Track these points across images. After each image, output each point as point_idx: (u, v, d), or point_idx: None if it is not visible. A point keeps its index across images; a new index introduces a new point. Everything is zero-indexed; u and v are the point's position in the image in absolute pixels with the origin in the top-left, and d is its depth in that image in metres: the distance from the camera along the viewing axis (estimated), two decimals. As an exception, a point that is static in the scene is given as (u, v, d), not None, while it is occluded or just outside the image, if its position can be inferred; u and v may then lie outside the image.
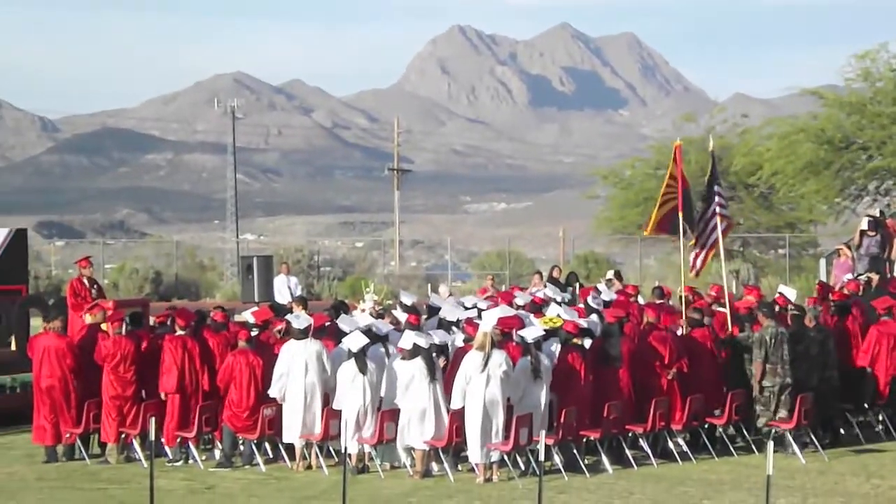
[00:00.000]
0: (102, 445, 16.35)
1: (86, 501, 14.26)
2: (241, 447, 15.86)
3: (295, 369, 15.33)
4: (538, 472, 11.73)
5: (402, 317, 16.57)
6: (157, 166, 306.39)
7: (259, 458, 15.65)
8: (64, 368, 16.26)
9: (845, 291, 19.46)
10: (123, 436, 16.08)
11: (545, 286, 21.08)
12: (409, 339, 14.93)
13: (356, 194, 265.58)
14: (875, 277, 21.09)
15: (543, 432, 12.03)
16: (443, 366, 15.23)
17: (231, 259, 63.07)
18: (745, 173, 44.58)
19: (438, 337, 15.44)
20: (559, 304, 17.36)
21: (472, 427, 14.56)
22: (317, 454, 15.46)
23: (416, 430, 14.83)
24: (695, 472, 15.28)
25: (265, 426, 15.49)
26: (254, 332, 16.17)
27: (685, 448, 15.98)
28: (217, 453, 16.03)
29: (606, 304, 17.34)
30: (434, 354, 14.99)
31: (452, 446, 14.89)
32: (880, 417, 17.66)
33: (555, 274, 26.54)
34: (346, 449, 12.59)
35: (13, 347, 20.67)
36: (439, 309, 17.25)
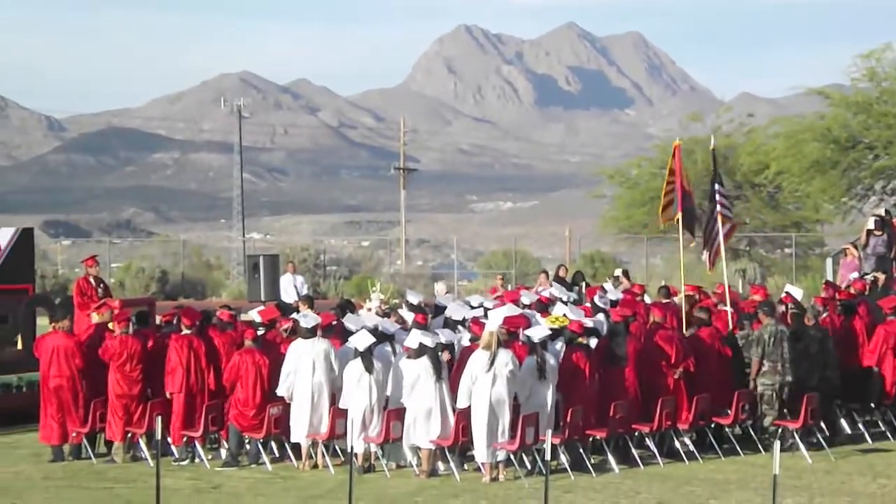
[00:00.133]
0: (109, 445, 16.36)
1: (92, 501, 14.27)
2: (248, 446, 15.86)
3: (302, 368, 15.33)
4: (544, 472, 11.73)
5: (409, 316, 16.58)
6: (163, 165, 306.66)
7: (265, 458, 15.66)
8: (72, 368, 16.28)
9: (852, 291, 19.43)
10: (129, 435, 16.09)
11: (551, 285, 21.08)
12: (415, 338, 14.93)
13: (362, 193, 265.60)
14: (881, 277, 21.08)
15: (549, 432, 12.04)
16: (447, 360, 15.22)
17: (237, 258, 63.12)
18: (751, 173, 44.57)
19: (444, 336, 15.43)
20: (565, 303, 17.35)
21: (478, 426, 14.55)
22: (323, 453, 15.45)
23: (422, 430, 14.82)
24: (701, 471, 15.26)
25: (271, 425, 15.49)
26: (260, 332, 16.17)
27: (691, 447, 15.96)
28: (223, 452, 16.04)
29: (613, 304, 17.32)
30: (440, 352, 14.99)
31: (458, 446, 14.89)
32: (887, 417, 17.63)
33: (561, 273, 26.51)
34: (352, 448, 12.59)
35: (19, 346, 20.69)
36: (445, 308, 17.25)
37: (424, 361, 14.82)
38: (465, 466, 15.10)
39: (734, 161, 45.91)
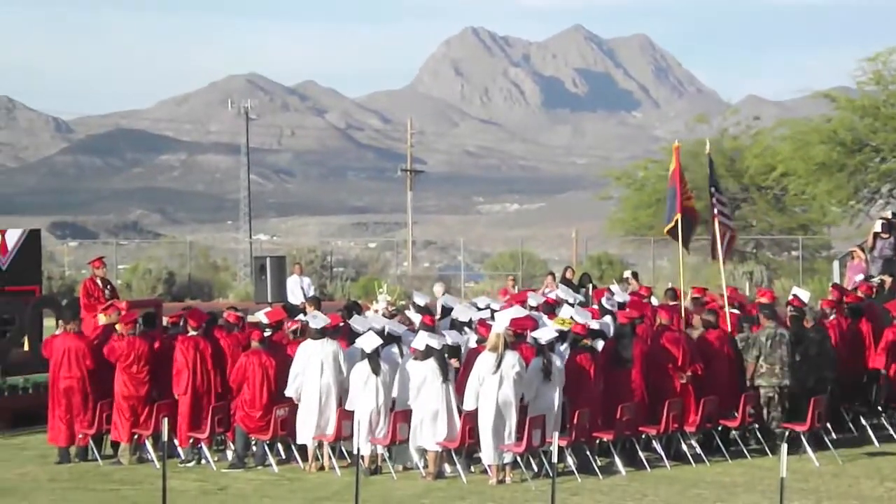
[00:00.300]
0: (115, 446, 16.37)
1: (98, 502, 14.29)
2: (254, 448, 15.86)
3: (311, 369, 15.33)
4: (551, 474, 11.73)
5: (416, 317, 16.57)
6: (170, 167, 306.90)
7: (272, 459, 15.66)
8: (83, 369, 16.30)
9: (858, 293, 19.40)
10: (136, 436, 16.10)
11: (557, 287, 21.06)
12: (421, 340, 14.92)
13: (369, 195, 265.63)
14: (888, 280, 21.05)
15: (556, 434, 12.03)
16: (455, 368, 15.21)
17: (244, 259, 63.11)
18: (757, 175, 44.53)
19: (451, 338, 15.42)
20: (571, 305, 17.33)
21: (484, 428, 14.54)
22: (329, 455, 15.45)
23: (429, 431, 14.82)
24: (708, 474, 15.24)
25: (278, 427, 15.49)
26: (267, 333, 16.18)
27: (698, 450, 15.94)
28: (230, 454, 16.04)
29: (620, 306, 17.31)
30: (447, 355, 14.98)
31: (465, 447, 14.88)
32: (894, 420, 17.59)
33: (568, 275, 26.52)
34: (358, 450, 12.58)
35: (26, 348, 20.71)
36: (451, 309, 17.24)
37: (431, 363, 14.81)
38: (472, 468, 15.09)
39: (741, 163, 45.88)
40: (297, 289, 29.15)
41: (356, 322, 16.02)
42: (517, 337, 15.08)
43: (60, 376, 16.35)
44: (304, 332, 15.92)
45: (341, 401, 15.35)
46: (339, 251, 70.23)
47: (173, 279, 49.09)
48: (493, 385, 14.49)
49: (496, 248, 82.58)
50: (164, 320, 18.08)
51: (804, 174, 39.32)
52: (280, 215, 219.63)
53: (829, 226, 45.59)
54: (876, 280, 21.00)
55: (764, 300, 17.76)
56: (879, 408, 17.54)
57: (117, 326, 16.50)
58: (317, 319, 15.64)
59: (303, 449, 15.58)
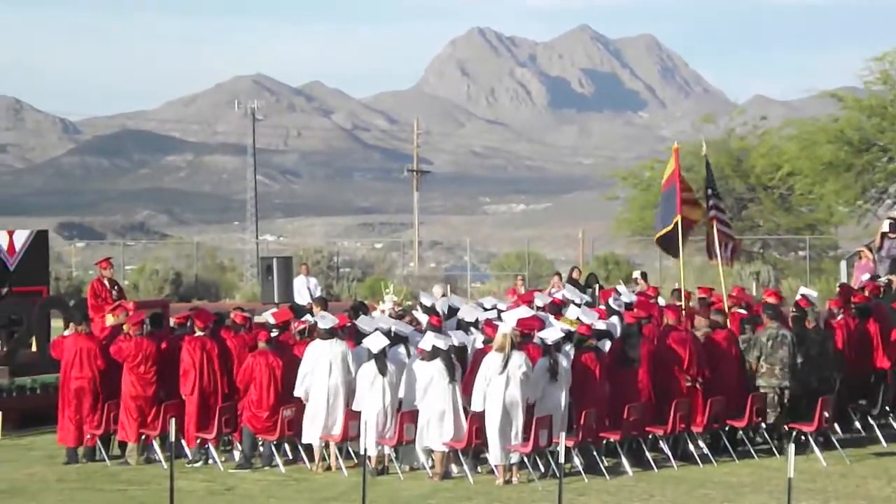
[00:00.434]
0: (123, 446, 16.39)
1: (106, 502, 14.30)
2: (261, 448, 15.88)
3: (319, 370, 15.34)
4: (558, 474, 11.72)
5: (423, 318, 16.57)
6: (177, 168, 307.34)
7: (279, 460, 15.67)
8: (94, 369, 16.33)
9: (865, 293, 19.37)
10: (143, 437, 16.13)
11: (564, 287, 21.05)
12: (428, 340, 14.92)
13: (375, 195, 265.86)
14: (896, 279, 20.99)
15: (563, 434, 12.03)
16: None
17: (251, 260, 63.21)
18: (764, 175, 44.48)
19: (458, 338, 15.42)
20: (578, 305, 17.32)
21: (491, 428, 14.54)
22: (336, 455, 15.46)
23: (436, 432, 14.82)
24: (715, 474, 15.23)
25: (285, 427, 15.50)
26: (273, 333, 16.19)
27: (706, 450, 15.93)
28: (237, 454, 16.05)
29: (627, 306, 17.30)
30: (453, 356, 14.98)
31: (472, 448, 14.88)
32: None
33: (574, 275, 26.51)
34: (365, 450, 12.59)
35: (34, 348, 20.74)
36: (458, 310, 17.23)
37: (438, 363, 14.81)
38: (479, 469, 15.08)
39: (747, 163, 45.83)
40: (304, 289, 29.22)
41: (363, 322, 16.02)
42: (524, 337, 15.08)
43: (72, 376, 16.37)
44: (311, 333, 15.93)
45: (349, 401, 15.36)
46: (345, 252, 70.24)
47: (180, 280, 49.16)
48: (499, 385, 14.49)
49: (502, 249, 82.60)
50: (171, 321, 18.10)
51: (811, 174, 39.30)
52: (286, 216, 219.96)
53: (836, 226, 45.53)
54: (883, 280, 20.96)
55: (771, 300, 17.76)
56: (887, 408, 17.51)
57: (125, 327, 16.53)
58: (325, 320, 15.65)
59: (310, 449, 15.59)
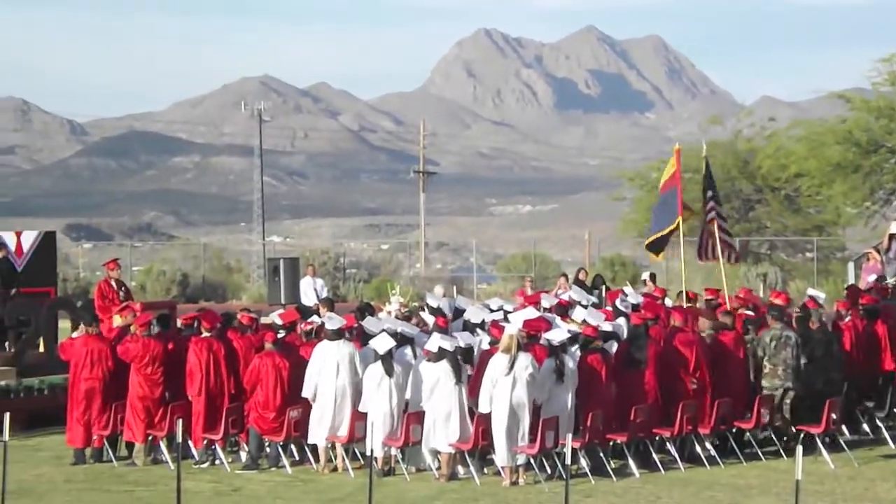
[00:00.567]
0: (130, 447, 16.41)
1: (113, 503, 14.31)
2: (268, 449, 15.88)
3: (327, 370, 15.34)
4: (564, 476, 11.71)
5: (430, 319, 16.57)
6: (184, 169, 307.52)
7: (285, 461, 15.68)
8: (105, 370, 16.35)
9: (872, 294, 19.33)
10: (150, 438, 16.14)
11: (571, 289, 21.04)
12: (435, 341, 14.92)
13: (382, 197, 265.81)
14: (904, 281, 20.96)
15: (570, 435, 12.02)
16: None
17: (258, 261, 63.15)
18: (771, 177, 44.42)
19: (464, 339, 15.42)
20: (584, 306, 17.31)
21: (498, 430, 14.53)
22: (343, 457, 15.46)
23: (442, 433, 14.81)
24: (723, 476, 15.20)
25: (291, 428, 15.51)
26: (280, 334, 16.20)
27: (713, 452, 15.90)
28: (243, 455, 16.07)
29: (634, 307, 17.28)
30: (460, 357, 14.97)
31: (478, 449, 14.87)
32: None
33: (581, 276, 26.50)
34: (372, 451, 12.58)
35: (41, 349, 20.78)
36: (464, 311, 17.23)
37: (444, 365, 14.81)
38: (485, 470, 15.08)
39: (754, 165, 45.75)
40: (311, 290, 29.23)
41: (369, 323, 16.03)
42: (530, 338, 15.07)
43: (81, 377, 16.38)
44: (318, 334, 15.93)
45: (356, 402, 15.35)
46: (351, 253, 70.16)
47: (187, 281, 49.19)
48: (506, 387, 14.48)
49: (509, 250, 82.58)
50: (178, 322, 18.12)
51: (819, 175, 39.25)
52: (293, 217, 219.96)
53: (844, 227, 45.44)
54: (890, 281, 20.92)
55: (778, 302, 17.73)
56: (895, 409, 17.47)
57: (132, 328, 16.54)
58: (333, 321, 15.66)
59: (316, 450, 15.59)
